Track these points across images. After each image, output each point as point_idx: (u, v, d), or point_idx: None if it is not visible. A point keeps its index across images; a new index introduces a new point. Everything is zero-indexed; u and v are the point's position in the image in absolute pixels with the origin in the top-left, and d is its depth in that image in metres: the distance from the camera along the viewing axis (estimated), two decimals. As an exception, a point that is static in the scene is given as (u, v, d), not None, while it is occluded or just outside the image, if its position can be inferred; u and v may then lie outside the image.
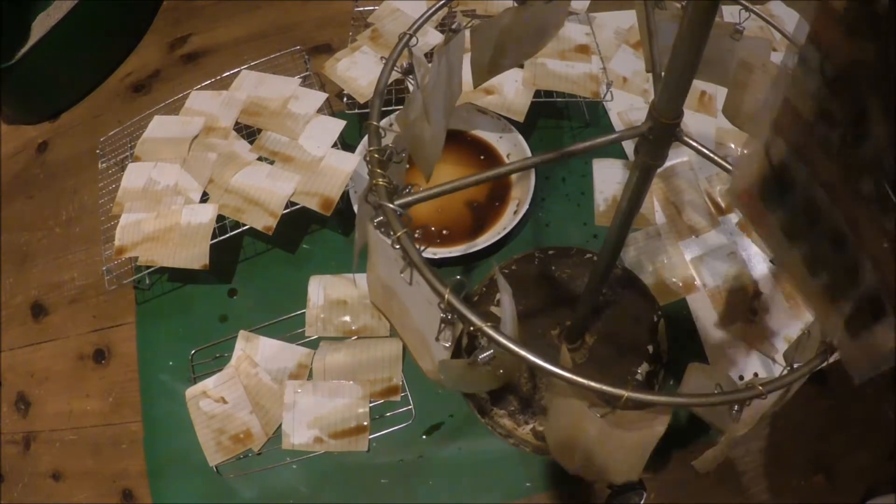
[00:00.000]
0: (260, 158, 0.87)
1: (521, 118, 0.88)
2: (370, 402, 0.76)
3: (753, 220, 0.37)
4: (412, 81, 0.46)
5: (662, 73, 0.39)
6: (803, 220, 0.33)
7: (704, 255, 0.86)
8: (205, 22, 1.16)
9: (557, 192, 0.92)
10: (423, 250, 0.38)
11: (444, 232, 0.86)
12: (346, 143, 0.87)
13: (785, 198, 0.33)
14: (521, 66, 0.92)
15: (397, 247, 0.38)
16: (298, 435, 0.75)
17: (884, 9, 0.24)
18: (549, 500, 0.73)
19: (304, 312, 0.82)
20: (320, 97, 0.89)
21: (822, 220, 0.31)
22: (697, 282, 0.84)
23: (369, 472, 0.74)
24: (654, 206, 0.89)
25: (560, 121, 0.98)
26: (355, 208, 0.83)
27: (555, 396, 0.43)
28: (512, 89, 0.90)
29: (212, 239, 0.80)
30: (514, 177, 0.92)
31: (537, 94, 0.90)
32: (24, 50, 0.97)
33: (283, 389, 0.77)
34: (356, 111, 0.90)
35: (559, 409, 0.43)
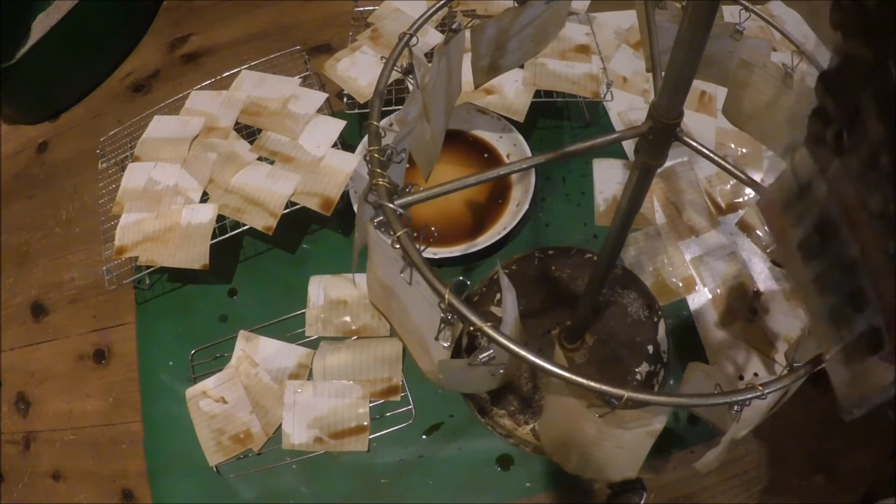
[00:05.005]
0: (260, 158, 0.87)
1: (521, 118, 0.88)
2: (370, 402, 0.76)
3: (775, 233, 0.37)
4: (412, 81, 0.46)
5: (662, 73, 0.39)
6: (817, 240, 0.33)
7: (704, 255, 0.86)
8: (205, 22, 1.16)
9: (557, 192, 0.92)
10: (423, 250, 0.38)
11: (445, 232, 0.86)
12: (346, 143, 0.87)
13: (804, 215, 0.33)
14: (521, 66, 0.92)
15: (397, 247, 0.38)
16: (298, 435, 0.75)
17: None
18: (549, 500, 0.73)
19: (304, 312, 0.82)
20: (320, 97, 0.89)
21: (836, 242, 0.31)
22: (697, 282, 0.84)
23: (369, 472, 0.74)
24: (654, 206, 0.89)
25: (560, 121, 0.98)
26: (355, 208, 0.83)
27: (552, 395, 0.43)
28: (512, 89, 0.90)
29: (212, 239, 0.80)
30: (514, 177, 0.92)
31: (537, 94, 0.90)
32: (24, 50, 0.97)
33: (283, 389, 0.77)
34: (356, 111, 0.90)
35: (557, 408, 0.43)
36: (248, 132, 0.91)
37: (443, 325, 0.38)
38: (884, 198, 0.26)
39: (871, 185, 0.27)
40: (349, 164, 0.82)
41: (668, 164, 0.79)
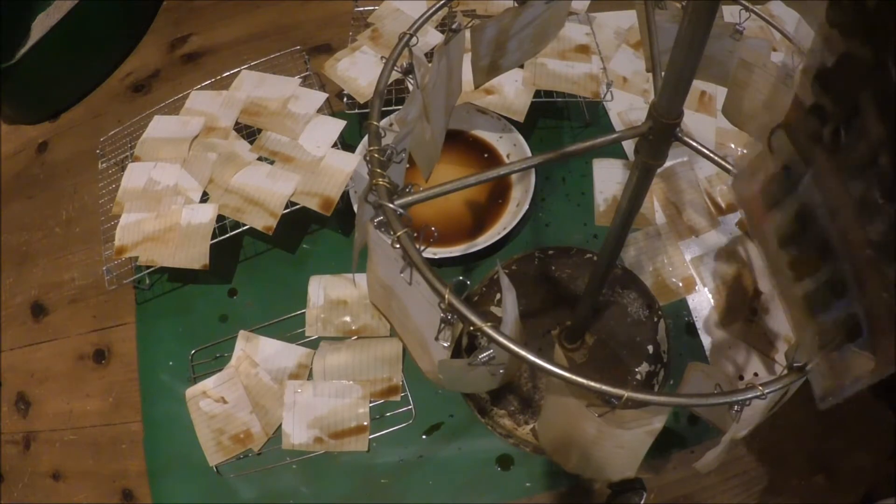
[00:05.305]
0: (260, 158, 0.87)
1: (521, 118, 0.88)
2: (370, 402, 0.76)
3: (752, 218, 0.37)
4: (412, 81, 0.46)
5: (662, 73, 0.39)
6: (797, 225, 0.33)
7: (704, 255, 0.86)
8: (205, 22, 1.16)
9: (557, 192, 0.92)
10: (423, 250, 0.38)
11: (445, 232, 0.86)
12: (346, 143, 0.87)
13: (784, 200, 0.33)
14: (521, 66, 0.92)
15: (397, 247, 0.38)
16: (298, 435, 0.75)
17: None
18: (549, 500, 0.73)
19: (304, 312, 0.82)
20: (320, 97, 0.89)
21: (815, 226, 0.31)
22: (697, 282, 0.84)
23: (369, 472, 0.74)
24: (654, 206, 0.89)
25: (560, 121, 0.98)
26: (355, 208, 0.83)
27: (552, 395, 0.43)
28: (512, 89, 0.90)
29: (212, 239, 0.80)
30: (514, 177, 0.92)
31: (537, 94, 0.90)
32: (24, 50, 0.97)
33: (283, 389, 0.77)
34: (356, 111, 0.90)
35: (556, 408, 0.43)
36: (248, 132, 0.91)
37: (443, 325, 0.38)
38: (867, 185, 0.26)
39: (853, 172, 0.27)
40: (349, 164, 0.82)
41: (668, 164, 0.79)
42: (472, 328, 0.35)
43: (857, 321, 0.29)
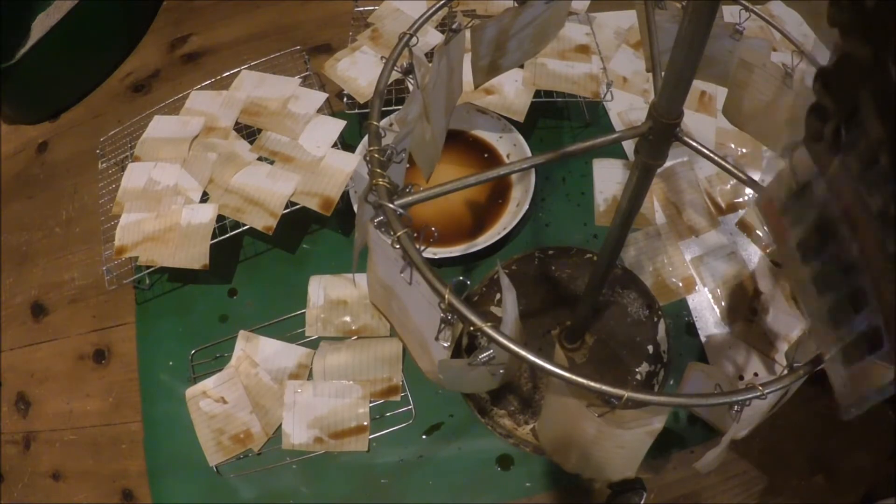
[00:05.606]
0: (260, 158, 0.87)
1: (521, 118, 0.88)
2: (370, 402, 0.76)
3: (774, 233, 0.37)
4: (412, 81, 0.46)
5: (662, 73, 0.39)
6: (817, 239, 0.33)
7: (704, 255, 0.86)
8: (205, 22, 1.16)
9: (557, 192, 0.92)
10: (424, 250, 0.38)
11: (445, 232, 0.86)
12: (346, 143, 0.87)
13: (804, 214, 0.33)
14: (521, 66, 0.92)
15: (397, 247, 0.38)
16: (298, 435, 0.75)
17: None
18: (549, 499, 0.73)
19: (304, 312, 0.82)
20: (320, 97, 0.89)
21: (835, 241, 0.31)
22: (697, 282, 0.84)
23: (369, 472, 0.74)
24: (654, 206, 0.89)
25: (560, 121, 0.98)
26: (355, 208, 0.83)
27: (552, 395, 0.43)
28: (512, 89, 0.90)
29: (212, 239, 0.80)
30: (514, 177, 0.92)
31: (537, 94, 0.90)
32: (24, 50, 0.97)
33: (283, 389, 0.77)
34: (356, 111, 0.90)
35: (556, 408, 0.43)
36: (248, 132, 0.91)
37: (443, 325, 0.38)
38: (883, 197, 0.26)
39: (870, 183, 0.27)
40: (349, 164, 0.82)
41: (668, 164, 0.79)
42: (472, 328, 0.35)
43: (878, 333, 0.29)
